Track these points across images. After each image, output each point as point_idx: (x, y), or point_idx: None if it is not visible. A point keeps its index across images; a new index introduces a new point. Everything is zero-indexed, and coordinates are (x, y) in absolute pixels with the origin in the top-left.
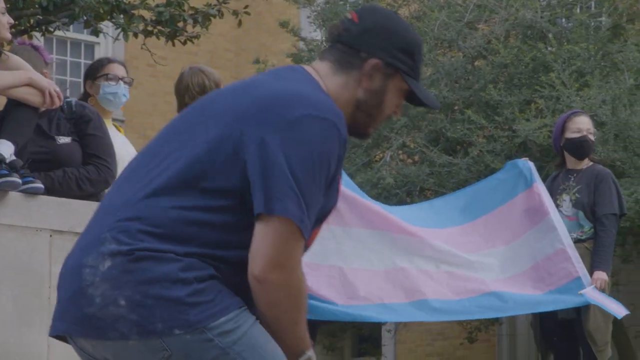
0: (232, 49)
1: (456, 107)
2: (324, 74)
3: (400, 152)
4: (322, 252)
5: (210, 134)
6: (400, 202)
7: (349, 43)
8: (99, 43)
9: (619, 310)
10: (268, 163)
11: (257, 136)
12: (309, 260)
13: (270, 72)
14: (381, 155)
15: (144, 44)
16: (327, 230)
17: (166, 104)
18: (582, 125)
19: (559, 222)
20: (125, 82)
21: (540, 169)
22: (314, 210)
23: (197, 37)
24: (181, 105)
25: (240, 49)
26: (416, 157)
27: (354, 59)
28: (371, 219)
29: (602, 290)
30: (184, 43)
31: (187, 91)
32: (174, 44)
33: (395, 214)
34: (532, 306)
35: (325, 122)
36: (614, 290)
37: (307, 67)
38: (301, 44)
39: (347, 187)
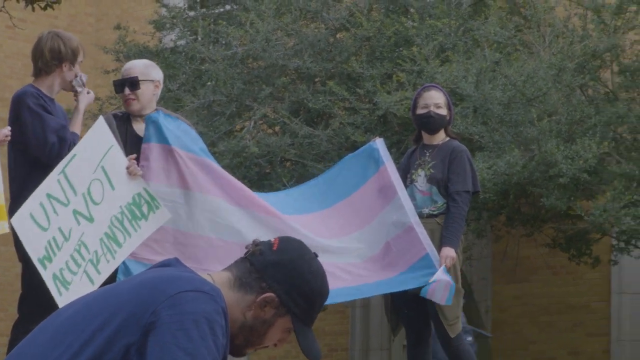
0: (93, 14)
1: (318, 79)
2: (219, 283)
3: (261, 122)
4: (198, 223)
5: None
6: (262, 172)
7: (256, 268)
8: None
9: (442, 299)
10: None
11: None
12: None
13: None
14: (243, 124)
15: (3, 7)
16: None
17: (24, 67)
18: (429, 100)
19: (407, 200)
20: None
21: (399, 143)
22: None
23: (58, 2)
24: (36, 69)
25: (101, 14)
26: (277, 128)
27: (254, 283)
28: (237, 196)
29: (449, 267)
30: (44, 8)
31: (41, 56)
32: (33, 9)
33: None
34: (383, 288)
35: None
36: (467, 264)
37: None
38: (163, 11)
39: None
